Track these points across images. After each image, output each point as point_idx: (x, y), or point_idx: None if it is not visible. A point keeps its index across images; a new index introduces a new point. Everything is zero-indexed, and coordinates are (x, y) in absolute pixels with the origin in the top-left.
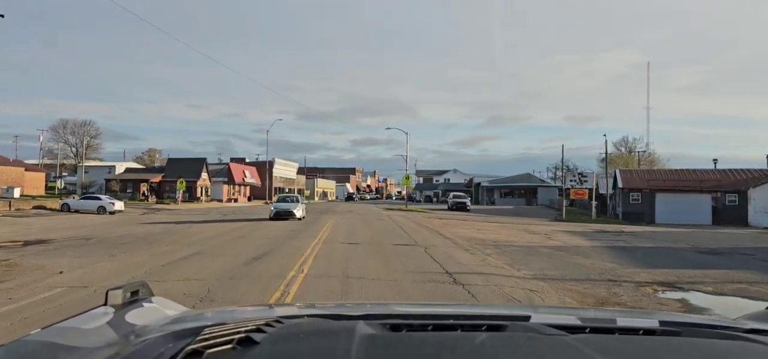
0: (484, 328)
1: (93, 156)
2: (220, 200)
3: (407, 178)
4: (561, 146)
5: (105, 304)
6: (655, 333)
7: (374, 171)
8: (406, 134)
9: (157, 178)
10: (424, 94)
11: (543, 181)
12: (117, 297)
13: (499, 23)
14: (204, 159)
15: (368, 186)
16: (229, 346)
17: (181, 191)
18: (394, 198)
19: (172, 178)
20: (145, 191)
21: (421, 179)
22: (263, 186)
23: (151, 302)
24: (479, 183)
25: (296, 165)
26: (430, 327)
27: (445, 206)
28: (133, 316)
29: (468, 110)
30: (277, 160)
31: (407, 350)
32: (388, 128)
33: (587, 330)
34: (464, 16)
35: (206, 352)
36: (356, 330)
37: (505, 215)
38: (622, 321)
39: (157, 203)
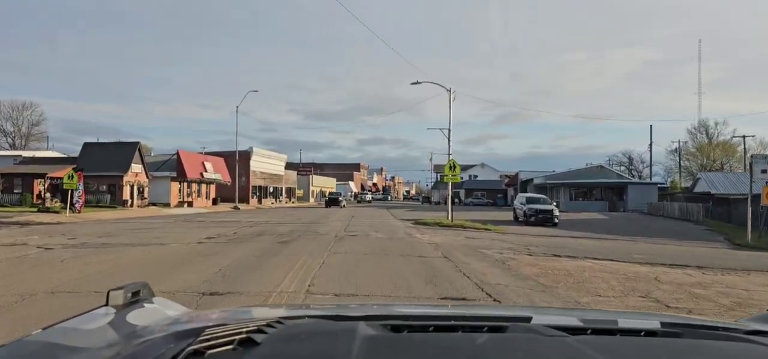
0: (485, 329)
1: (36, 147)
2: (168, 205)
3: (452, 166)
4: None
5: (106, 304)
6: (657, 335)
7: (381, 168)
8: (449, 90)
9: (63, 171)
10: (430, 92)
11: (621, 176)
12: (118, 297)
13: (506, 21)
14: (136, 144)
15: (374, 185)
16: (231, 347)
17: (78, 192)
18: (403, 198)
19: (86, 172)
20: (42, 191)
21: (438, 176)
22: (234, 184)
23: (152, 302)
24: (530, 179)
25: (284, 158)
26: (431, 328)
27: (483, 210)
28: (135, 316)
29: (475, 109)
30: (255, 150)
31: (408, 351)
32: (415, 83)
33: (588, 332)
34: (470, 15)
35: (207, 352)
36: (357, 331)
37: (629, 234)
38: (623, 323)
39: (41, 210)
